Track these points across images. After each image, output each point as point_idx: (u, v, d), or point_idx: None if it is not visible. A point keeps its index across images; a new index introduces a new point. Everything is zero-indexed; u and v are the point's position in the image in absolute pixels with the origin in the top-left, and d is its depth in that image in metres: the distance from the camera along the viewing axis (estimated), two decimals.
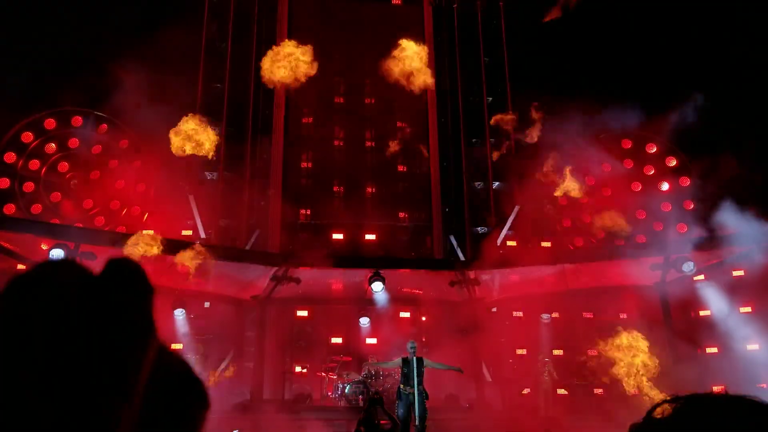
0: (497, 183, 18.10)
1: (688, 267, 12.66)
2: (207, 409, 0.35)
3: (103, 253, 10.81)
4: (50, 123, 15.40)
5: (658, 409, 0.77)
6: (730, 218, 12.88)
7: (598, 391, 14.66)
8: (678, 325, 13.73)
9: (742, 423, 0.72)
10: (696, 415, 0.74)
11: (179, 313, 13.32)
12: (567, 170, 17.12)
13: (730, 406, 0.74)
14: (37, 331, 0.26)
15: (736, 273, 13.35)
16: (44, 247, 11.73)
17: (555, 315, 15.50)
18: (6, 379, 0.25)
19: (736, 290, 13.27)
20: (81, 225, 14.50)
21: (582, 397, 14.45)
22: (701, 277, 13.86)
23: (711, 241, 12.58)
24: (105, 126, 15.79)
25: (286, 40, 18.67)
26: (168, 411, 0.31)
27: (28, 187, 15.13)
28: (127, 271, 0.31)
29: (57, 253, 10.79)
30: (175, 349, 0.34)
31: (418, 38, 19.25)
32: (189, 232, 15.51)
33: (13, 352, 0.25)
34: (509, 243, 16.84)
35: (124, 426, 0.27)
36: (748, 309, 13.35)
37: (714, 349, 13.85)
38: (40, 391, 0.25)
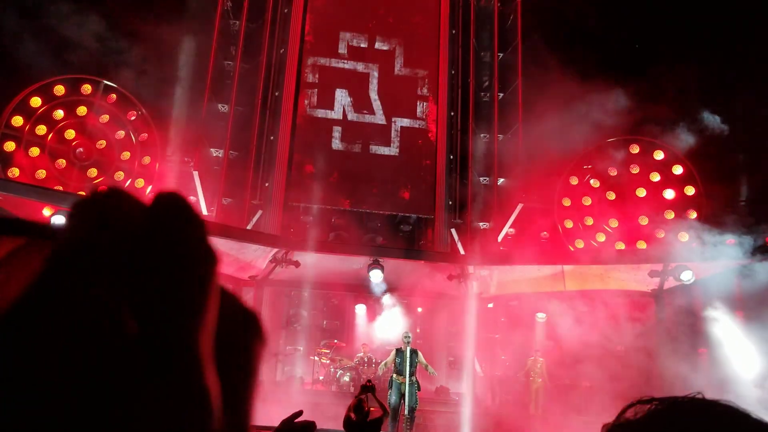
0: (502, 179, 18.06)
1: (687, 276, 12.66)
2: (265, 346, 0.34)
3: None
4: (59, 89, 15.35)
5: (631, 410, 0.76)
6: (731, 229, 12.86)
7: (587, 384, 14.69)
8: (673, 332, 13.74)
9: (712, 428, 0.72)
10: (668, 417, 0.73)
11: None
12: (573, 171, 17.11)
13: (703, 410, 0.74)
14: (112, 259, 0.26)
15: (734, 283, 13.34)
16: (46, 212, 11.73)
17: (550, 315, 15.53)
18: (86, 304, 0.25)
19: (733, 300, 13.26)
20: (84, 193, 14.49)
21: (573, 396, 14.51)
22: (699, 286, 13.85)
23: (711, 251, 12.56)
24: (114, 96, 15.73)
25: (301, 20, 18.61)
26: (232, 345, 0.30)
27: (34, 152, 15.11)
28: (180, 204, 0.32)
29: (59, 221, 10.70)
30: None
31: (433, 25, 19.18)
32: None
33: (89, 279, 0.25)
34: (510, 240, 16.84)
35: (204, 349, 0.26)
36: (743, 318, 13.36)
37: (706, 354, 13.87)
38: (124, 312, 0.25)
